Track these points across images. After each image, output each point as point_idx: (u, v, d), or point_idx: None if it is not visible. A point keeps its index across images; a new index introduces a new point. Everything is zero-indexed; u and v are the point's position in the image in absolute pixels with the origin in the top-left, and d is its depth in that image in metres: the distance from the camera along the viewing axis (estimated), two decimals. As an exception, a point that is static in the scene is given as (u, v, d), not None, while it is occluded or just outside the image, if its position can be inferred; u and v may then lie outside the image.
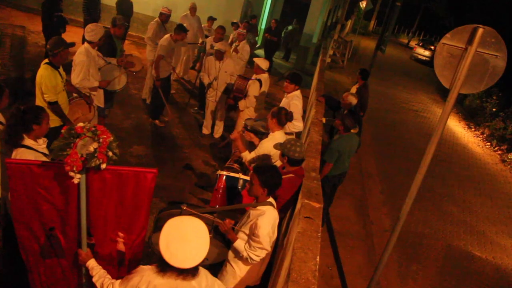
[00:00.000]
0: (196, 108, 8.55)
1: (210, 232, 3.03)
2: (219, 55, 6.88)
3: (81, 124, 2.29)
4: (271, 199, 3.13)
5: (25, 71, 7.90)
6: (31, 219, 2.59)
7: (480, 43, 3.44)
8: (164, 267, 2.08)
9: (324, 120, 6.26)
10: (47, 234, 2.65)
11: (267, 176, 3.06)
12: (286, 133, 4.86)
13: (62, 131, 2.29)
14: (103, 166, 2.33)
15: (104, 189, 2.56)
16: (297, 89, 5.59)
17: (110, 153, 2.32)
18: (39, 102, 4.51)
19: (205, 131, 7.59)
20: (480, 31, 3.40)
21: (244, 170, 4.72)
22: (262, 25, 17.31)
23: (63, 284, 2.87)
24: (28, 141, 3.04)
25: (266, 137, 4.91)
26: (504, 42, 3.45)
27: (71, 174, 2.26)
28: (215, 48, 6.95)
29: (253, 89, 6.30)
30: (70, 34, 9.40)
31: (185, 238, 2.06)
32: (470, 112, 16.85)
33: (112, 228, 2.72)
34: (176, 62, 7.83)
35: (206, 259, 2.13)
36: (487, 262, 6.54)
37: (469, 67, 3.50)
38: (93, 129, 2.29)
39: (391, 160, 9.73)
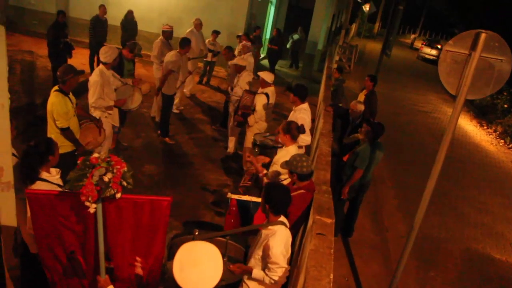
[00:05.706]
0: (218, 124, 8.62)
1: (224, 255, 3.06)
2: (239, 69, 7.34)
3: (96, 155, 2.36)
4: (282, 218, 3.12)
5: (36, 96, 8.06)
6: (53, 242, 2.69)
7: (484, 48, 3.43)
8: None
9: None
10: (68, 257, 2.74)
11: (271, 194, 3.05)
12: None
13: (78, 162, 2.36)
14: (118, 195, 2.39)
15: (120, 217, 2.63)
16: (303, 102, 5.58)
17: (125, 183, 2.38)
18: (51, 128, 4.62)
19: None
20: (483, 36, 3.40)
21: (260, 187, 4.71)
22: (267, 35, 17.37)
23: None
24: (42, 174, 3.11)
25: (276, 150, 4.93)
26: (508, 45, 3.45)
27: (87, 204, 2.33)
28: (235, 63, 7.41)
29: (260, 102, 6.32)
30: (77, 56, 9.59)
31: (198, 262, 2.13)
32: (481, 110, 16.63)
33: (129, 253, 2.80)
34: (183, 75, 7.94)
35: (222, 280, 2.19)
36: (507, 265, 6.42)
37: (474, 72, 3.49)
38: (108, 159, 2.36)
39: (403, 164, 9.64)
